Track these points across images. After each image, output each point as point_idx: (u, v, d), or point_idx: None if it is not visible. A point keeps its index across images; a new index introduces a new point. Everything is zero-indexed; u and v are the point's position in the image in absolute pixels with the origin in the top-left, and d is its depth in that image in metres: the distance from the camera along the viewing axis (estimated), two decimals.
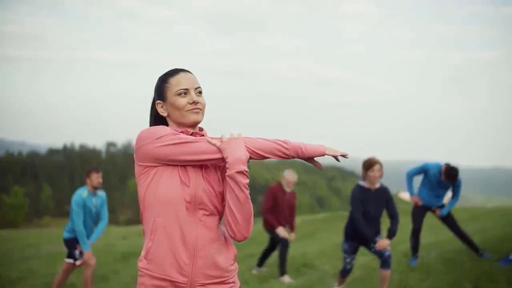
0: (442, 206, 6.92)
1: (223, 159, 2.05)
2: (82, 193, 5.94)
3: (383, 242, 5.19)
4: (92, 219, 6.06)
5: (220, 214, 2.13)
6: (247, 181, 2.03)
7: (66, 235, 6.07)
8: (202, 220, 2.06)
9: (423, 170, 6.87)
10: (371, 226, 5.28)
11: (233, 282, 2.14)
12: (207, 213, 2.07)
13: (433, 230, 9.55)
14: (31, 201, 53.70)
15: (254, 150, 2.07)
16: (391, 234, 5.28)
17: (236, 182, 2.01)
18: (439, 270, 6.40)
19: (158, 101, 2.17)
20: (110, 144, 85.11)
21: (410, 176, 6.94)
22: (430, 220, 8.01)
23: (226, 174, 2.02)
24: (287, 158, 2.12)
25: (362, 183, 5.37)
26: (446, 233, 8.59)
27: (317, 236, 11.97)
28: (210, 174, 2.11)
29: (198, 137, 2.09)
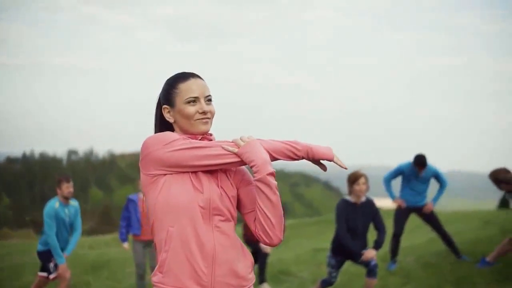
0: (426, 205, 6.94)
1: (238, 163, 1.96)
2: (53, 204, 5.68)
3: (369, 253, 5.09)
4: (66, 230, 5.80)
5: (235, 220, 2.03)
6: (276, 182, 1.94)
7: (39, 247, 5.80)
8: (218, 227, 1.96)
9: (399, 171, 6.92)
10: (358, 241, 5.18)
11: None
12: (222, 219, 1.97)
13: (409, 234, 9.60)
14: None
15: (269, 152, 1.97)
16: (377, 246, 5.19)
17: (268, 184, 1.91)
18: (418, 274, 6.42)
19: (165, 106, 2.06)
20: (71, 152, 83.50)
21: (388, 180, 6.99)
22: (406, 225, 8.04)
23: (256, 178, 1.91)
24: (297, 159, 2.03)
25: (347, 197, 5.24)
26: (422, 237, 8.68)
27: (290, 242, 11.93)
28: (222, 179, 2.02)
29: (211, 142, 1.99)
